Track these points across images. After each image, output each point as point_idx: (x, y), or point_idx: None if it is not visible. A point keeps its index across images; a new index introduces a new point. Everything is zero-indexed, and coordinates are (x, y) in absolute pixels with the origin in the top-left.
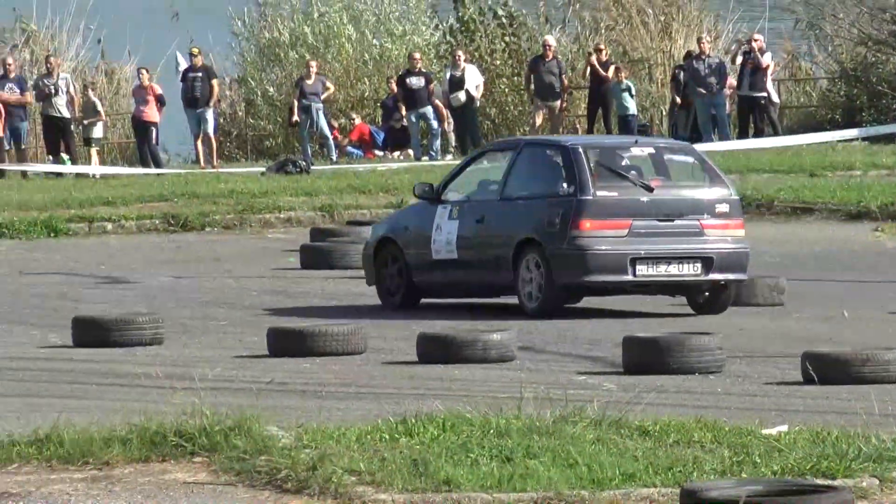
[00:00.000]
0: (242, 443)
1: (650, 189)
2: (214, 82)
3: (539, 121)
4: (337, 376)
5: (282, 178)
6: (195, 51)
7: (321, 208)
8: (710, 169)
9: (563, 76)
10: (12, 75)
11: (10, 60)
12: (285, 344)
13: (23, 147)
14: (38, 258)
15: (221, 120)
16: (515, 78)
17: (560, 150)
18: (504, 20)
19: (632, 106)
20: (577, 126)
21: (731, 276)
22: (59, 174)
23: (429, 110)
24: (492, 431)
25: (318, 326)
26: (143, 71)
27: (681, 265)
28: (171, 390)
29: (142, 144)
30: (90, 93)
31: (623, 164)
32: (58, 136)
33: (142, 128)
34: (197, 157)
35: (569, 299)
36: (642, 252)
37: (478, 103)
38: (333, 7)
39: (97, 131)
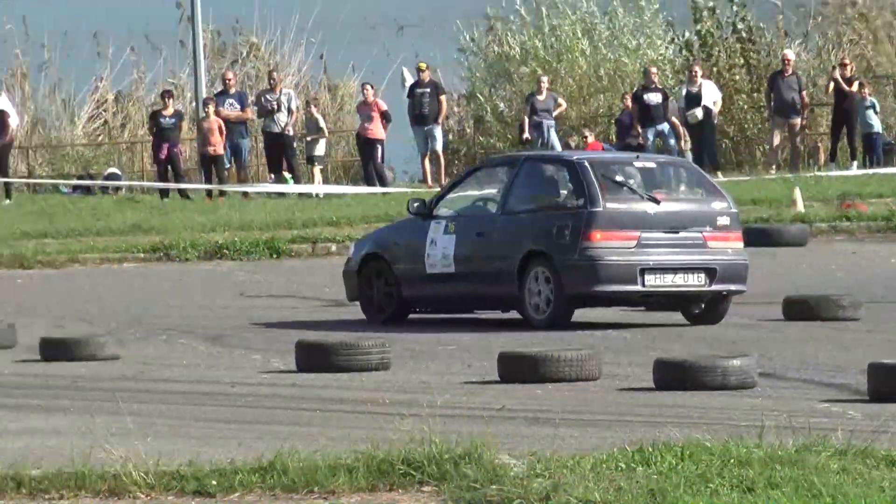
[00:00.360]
0: (473, 471)
1: (657, 202)
2: (442, 98)
3: (777, 140)
4: (570, 403)
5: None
6: (422, 66)
7: None
8: (708, 183)
9: (803, 92)
10: (233, 91)
11: (230, 75)
12: (516, 369)
13: (244, 165)
14: (259, 280)
15: (449, 137)
16: (755, 94)
17: (565, 165)
18: (743, 34)
19: (876, 123)
20: (819, 144)
21: (732, 287)
22: (281, 193)
23: (665, 127)
24: (732, 461)
25: (550, 351)
26: (368, 87)
27: (686, 276)
28: (399, 417)
29: (367, 162)
30: (313, 109)
31: (628, 177)
32: (280, 154)
33: (367, 145)
34: (424, 175)
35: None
36: (651, 263)
37: (716, 120)
38: (566, 20)
39: (320, 149)
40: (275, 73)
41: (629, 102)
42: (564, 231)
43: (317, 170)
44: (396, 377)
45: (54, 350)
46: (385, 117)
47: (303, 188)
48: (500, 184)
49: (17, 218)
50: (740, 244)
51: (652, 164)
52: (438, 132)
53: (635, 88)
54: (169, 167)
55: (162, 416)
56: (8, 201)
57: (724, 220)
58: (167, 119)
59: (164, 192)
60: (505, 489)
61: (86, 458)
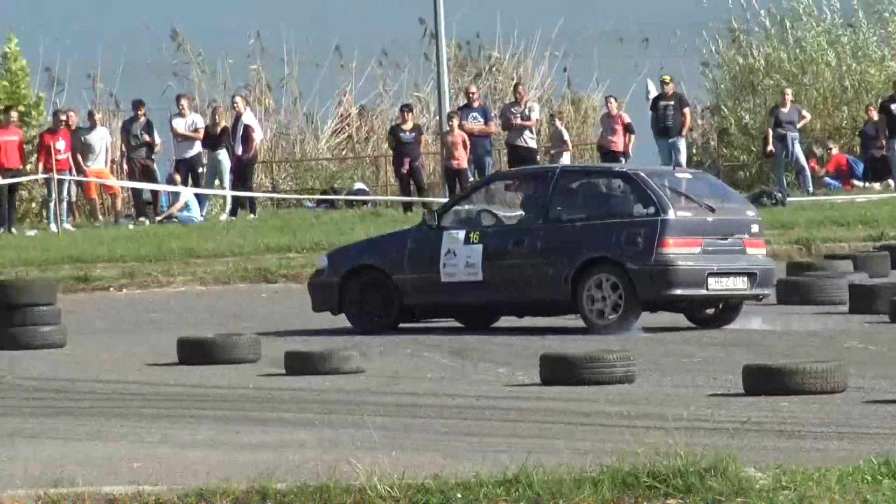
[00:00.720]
0: (718, 484)
1: (712, 210)
2: (686, 111)
3: None
4: (816, 415)
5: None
6: (666, 78)
7: (797, 241)
8: (733, 193)
9: None
10: (476, 104)
11: (473, 89)
12: (761, 382)
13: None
14: None
15: (693, 150)
16: None
17: (622, 177)
18: None
19: None
20: None
21: (766, 291)
22: None
23: None
24: None
25: (796, 364)
26: (612, 99)
27: (737, 279)
28: (644, 430)
29: None
30: (557, 122)
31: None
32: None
33: (609, 158)
34: None
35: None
36: (714, 267)
37: None
38: (811, 32)
39: (564, 162)
40: (520, 87)
41: (873, 114)
42: (637, 238)
43: None
44: (641, 389)
45: (299, 363)
46: (628, 130)
47: None
48: (507, 196)
49: (262, 232)
50: (764, 250)
51: (688, 175)
52: (682, 145)
53: (881, 99)
54: (411, 181)
55: (406, 429)
56: (252, 216)
57: (755, 228)
58: (407, 133)
59: (407, 206)
60: (750, 502)
61: (331, 471)
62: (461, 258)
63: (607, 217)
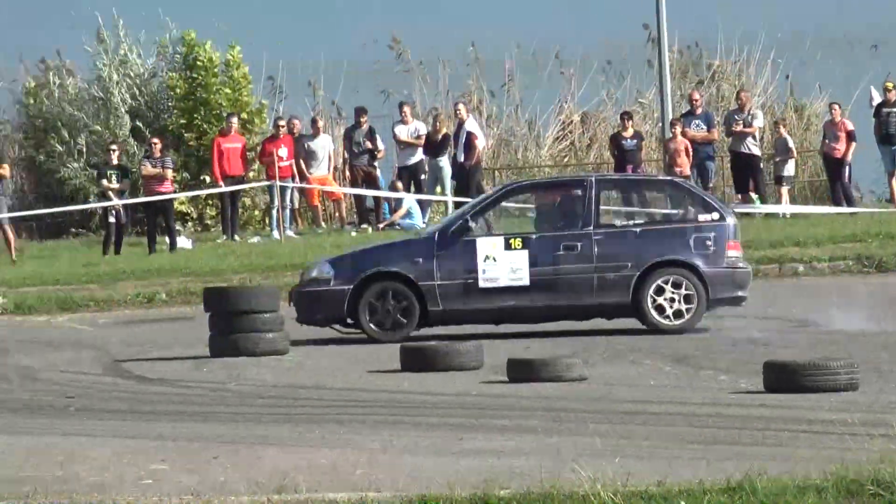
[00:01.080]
0: None
1: (735, 215)
2: None
3: None
4: None
5: None
6: (889, 85)
7: None
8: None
9: None
10: (699, 111)
11: (696, 96)
12: None
13: (709, 185)
14: None
15: None
16: None
17: (670, 185)
18: None
19: None
20: None
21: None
22: (747, 214)
23: None
24: None
25: None
26: (836, 106)
27: None
28: (868, 438)
29: (834, 182)
30: (781, 129)
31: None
32: (747, 175)
33: (834, 164)
34: (892, 195)
35: None
36: (750, 269)
37: None
38: None
39: (789, 169)
40: (743, 93)
41: None
42: (707, 242)
43: (784, 190)
44: (865, 397)
45: (521, 370)
46: (851, 137)
47: (770, 208)
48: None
49: None
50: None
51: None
52: None
53: None
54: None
55: (630, 436)
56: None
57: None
58: (628, 141)
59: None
60: None
61: (554, 478)
62: (505, 264)
63: (667, 223)
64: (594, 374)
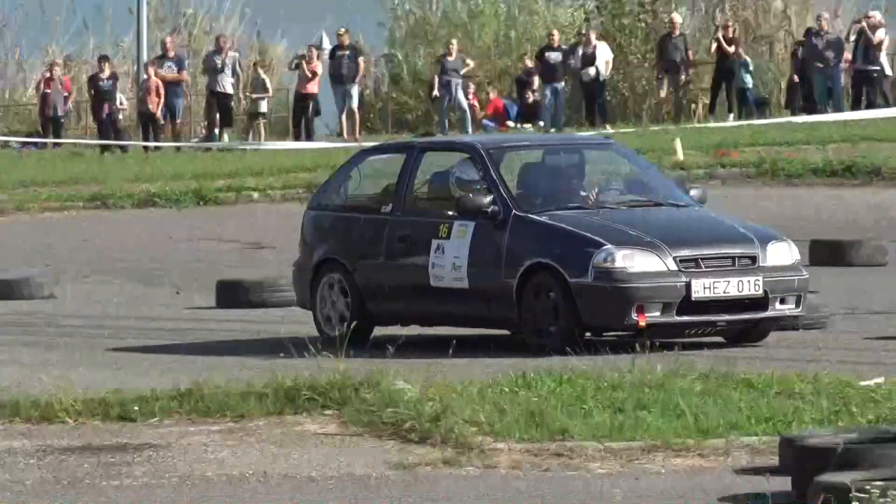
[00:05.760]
0: (371, 396)
1: None
2: (361, 60)
3: (663, 93)
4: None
5: None
6: (341, 31)
7: None
8: None
9: (689, 51)
10: (171, 54)
11: (168, 41)
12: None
13: (177, 121)
14: (188, 225)
15: (365, 94)
16: (649, 55)
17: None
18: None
19: (749, 81)
20: (702, 100)
21: None
22: (209, 149)
23: (561, 85)
24: (605, 385)
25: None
26: (313, 48)
27: None
28: (311, 351)
29: (300, 117)
30: (260, 70)
31: None
32: (221, 112)
33: (302, 100)
34: (341, 129)
35: None
36: None
37: (606, 79)
38: None
39: (264, 106)
40: (221, 37)
41: (528, 62)
42: None
43: (261, 124)
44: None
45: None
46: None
47: (241, 144)
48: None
49: None
50: None
51: None
52: (355, 91)
53: (538, 48)
54: (109, 124)
55: (92, 348)
56: None
57: None
58: (105, 82)
59: (105, 148)
60: (399, 412)
61: (18, 387)
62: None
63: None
64: (64, 293)
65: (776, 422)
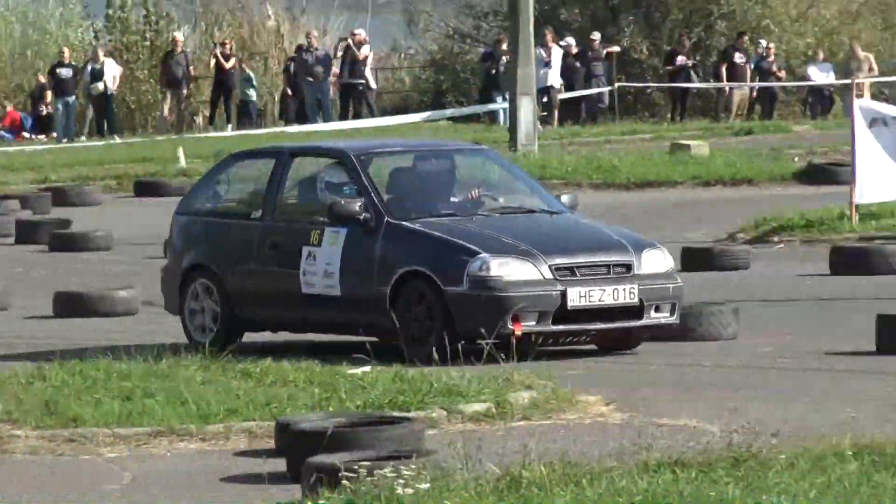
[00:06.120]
0: None
1: None
2: None
3: (167, 108)
4: None
5: None
6: None
7: None
8: None
9: (190, 67)
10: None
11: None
12: None
13: None
14: None
15: None
16: (154, 70)
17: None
18: (152, 18)
19: (253, 94)
20: (203, 112)
21: None
22: None
23: (72, 99)
24: (116, 375)
25: None
26: None
27: None
28: None
29: None
30: None
31: None
32: None
33: None
34: None
35: None
36: None
37: (113, 93)
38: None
39: None
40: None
41: (41, 77)
42: None
43: None
44: None
45: None
46: None
47: None
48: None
49: None
50: None
51: None
52: None
53: (52, 64)
54: None
55: None
56: None
57: None
58: None
59: None
60: None
61: None
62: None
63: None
64: None
65: (272, 408)
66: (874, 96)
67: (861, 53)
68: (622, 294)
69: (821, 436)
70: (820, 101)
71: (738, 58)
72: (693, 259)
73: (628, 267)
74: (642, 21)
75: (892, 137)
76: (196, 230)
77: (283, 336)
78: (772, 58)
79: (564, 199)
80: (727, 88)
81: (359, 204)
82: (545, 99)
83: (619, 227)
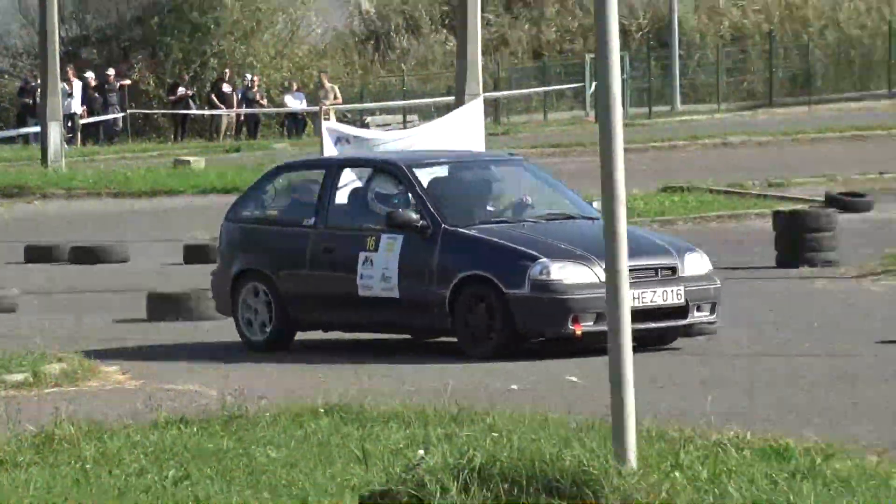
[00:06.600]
0: None
1: None
2: None
3: None
4: None
5: None
6: None
7: None
8: None
9: None
10: None
11: None
12: None
13: None
14: None
15: None
16: None
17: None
18: None
19: None
20: None
21: None
22: None
23: None
24: None
25: None
26: None
27: None
28: None
29: None
30: None
31: None
32: None
33: None
34: None
35: None
36: None
37: None
38: None
39: None
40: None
41: None
42: None
43: None
44: None
45: None
46: None
47: None
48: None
49: None
50: None
51: None
52: None
53: None
54: None
55: None
56: None
57: None
58: None
59: None
60: None
61: None
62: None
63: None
64: None
65: None
66: (339, 119)
67: (328, 84)
68: (671, 295)
69: (299, 397)
70: (295, 124)
71: (227, 88)
72: (194, 254)
73: (673, 269)
74: (149, 59)
75: (353, 152)
76: (246, 237)
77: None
78: (256, 88)
79: (596, 205)
80: (219, 114)
81: (415, 212)
82: (70, 124)
83: (658, 233)
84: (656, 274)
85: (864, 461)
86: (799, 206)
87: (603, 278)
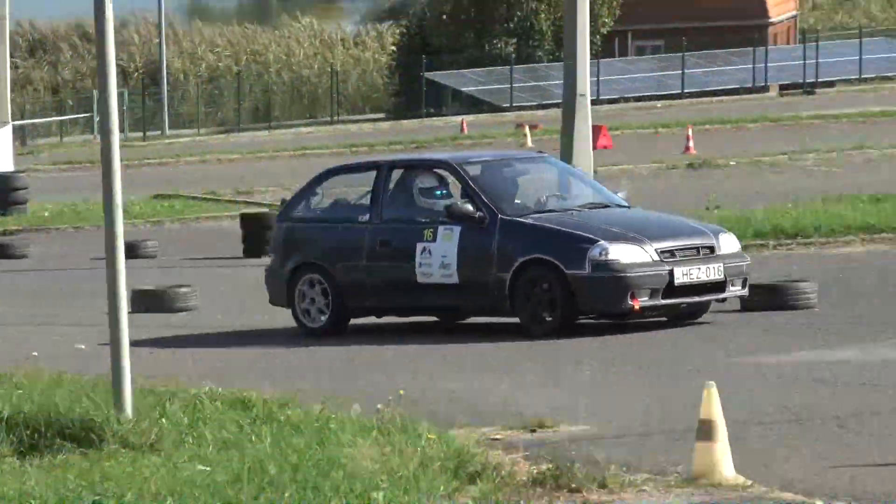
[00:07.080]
0: None
1: None
2: None
3: None
4: None
5: None
6: None
7: None
8: None
9: None
10: None
11: None
12: None
13: None
14: None
15: None
16: None
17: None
18: None
19: None
20: None
21: None
22: None
23: None
24: None
25: None
26: None
27: None
28: None
29: None
30: None
31: None
32: None
33: None
34: None
35: None
36: None
37: None
38: None
39: None
40: None
41: None
42: None
43: None
44: None
45: None
46: None
47: None
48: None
49: None
50: None
51: None
52: None
53: None
54: None
55: None
56: None
57: None
58: None
59: None
60: None
61: None
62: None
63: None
64: None
65: None
66: None
67: None
68: (713, 272)
69: None
70: None
71: None
72: None
73: (712, 249)
74: None
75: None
76: (301, 234)
77: None
78: None
79: (621, 194)
80: None
81: (471, 205)
82: None
83: (688, 217)
84: (698, 253)
85: (310, 409)
86: (261, 210)
87: (654, 257)
